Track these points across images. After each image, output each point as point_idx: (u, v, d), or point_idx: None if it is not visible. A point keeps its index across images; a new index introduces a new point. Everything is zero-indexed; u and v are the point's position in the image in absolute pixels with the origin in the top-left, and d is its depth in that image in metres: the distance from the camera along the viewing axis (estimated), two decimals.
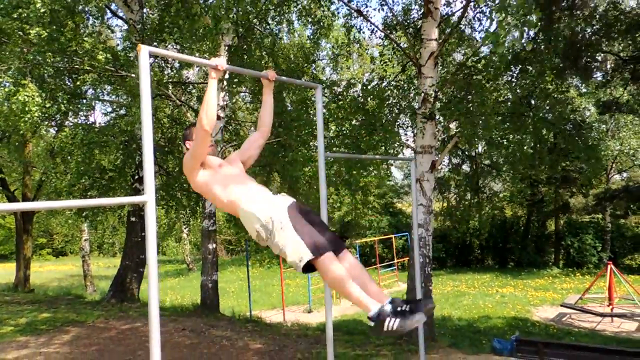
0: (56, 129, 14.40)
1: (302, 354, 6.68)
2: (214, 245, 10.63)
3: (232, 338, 7.81)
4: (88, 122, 9.71)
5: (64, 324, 8.97)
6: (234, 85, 9.21)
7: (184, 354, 6.79)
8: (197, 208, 13.03)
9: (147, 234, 2.66)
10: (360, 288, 2.50)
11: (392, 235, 21.48)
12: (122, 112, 11.29)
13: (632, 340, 9.91)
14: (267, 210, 2.67)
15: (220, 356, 6.72)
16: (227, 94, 9.00)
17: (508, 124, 8.82)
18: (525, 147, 9.67)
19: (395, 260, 20.32)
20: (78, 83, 8.91)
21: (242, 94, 11.85)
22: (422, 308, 2.39)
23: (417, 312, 2.37)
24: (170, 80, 10.01)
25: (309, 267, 2.55)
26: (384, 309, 2.42)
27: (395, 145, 9.47)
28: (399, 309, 2.41)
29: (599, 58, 9.37)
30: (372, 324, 2.45)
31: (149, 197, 2.64)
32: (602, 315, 11.39)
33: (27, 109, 6.41)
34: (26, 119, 6.57)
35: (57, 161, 12.25)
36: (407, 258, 17.51)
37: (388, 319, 2.39)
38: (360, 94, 9.33)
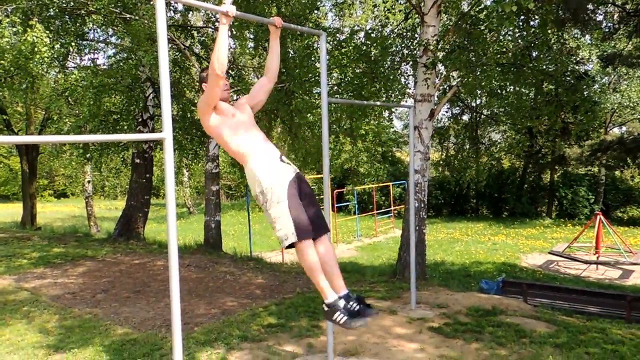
0: (57, 70, 14.39)
1: (301, 289, 7.15)
2: (217, 187, 10.98)
3: (236, 273, 8.30)
4: (96, 65, 9.79)
5: (75, 258, 9.45)
6: (237, 32, 9.23)
7: (191, 287, 7.26)
8: (200, 151, 13.28)
9: (165, 169, 2.93)
10: (327, 273, 2.89)
11: (390, 183, 21.90)
12: (124, 55, 11.28)
13: (613, 286, 10.45)
14: (271, 179, 2.94)
15: (225, 289, 7.19)
16: (234, 41, 9.05)
17: (508, 74, 8.93)
18: (524, 98, 9.80)
19: (392, 208, 20.83)
20: (79, 24, 8.93)
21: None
22: (367, 315, 2.78)
23: (361, 318, 2.75)
24: (174, 24, 10.00)
25: (291, 245, 2.91)
26: (337, 303, 2.82)
27: (397, 93, 9.61)
28: (349, 305, 2.81)
29: (601, 10, 9.35)
30: (326, 308, 2.84)
31: (167, 134, 2.89)
32: (588, 262, 11.90)
33: (36, 49, 6.54)
34: (36, 59, 6.71)
35: (62, 102, 12.35)
36: (404, 205, 18.03)
37: (338, 312, 2.79)
38: (364, 42, 9.38)
